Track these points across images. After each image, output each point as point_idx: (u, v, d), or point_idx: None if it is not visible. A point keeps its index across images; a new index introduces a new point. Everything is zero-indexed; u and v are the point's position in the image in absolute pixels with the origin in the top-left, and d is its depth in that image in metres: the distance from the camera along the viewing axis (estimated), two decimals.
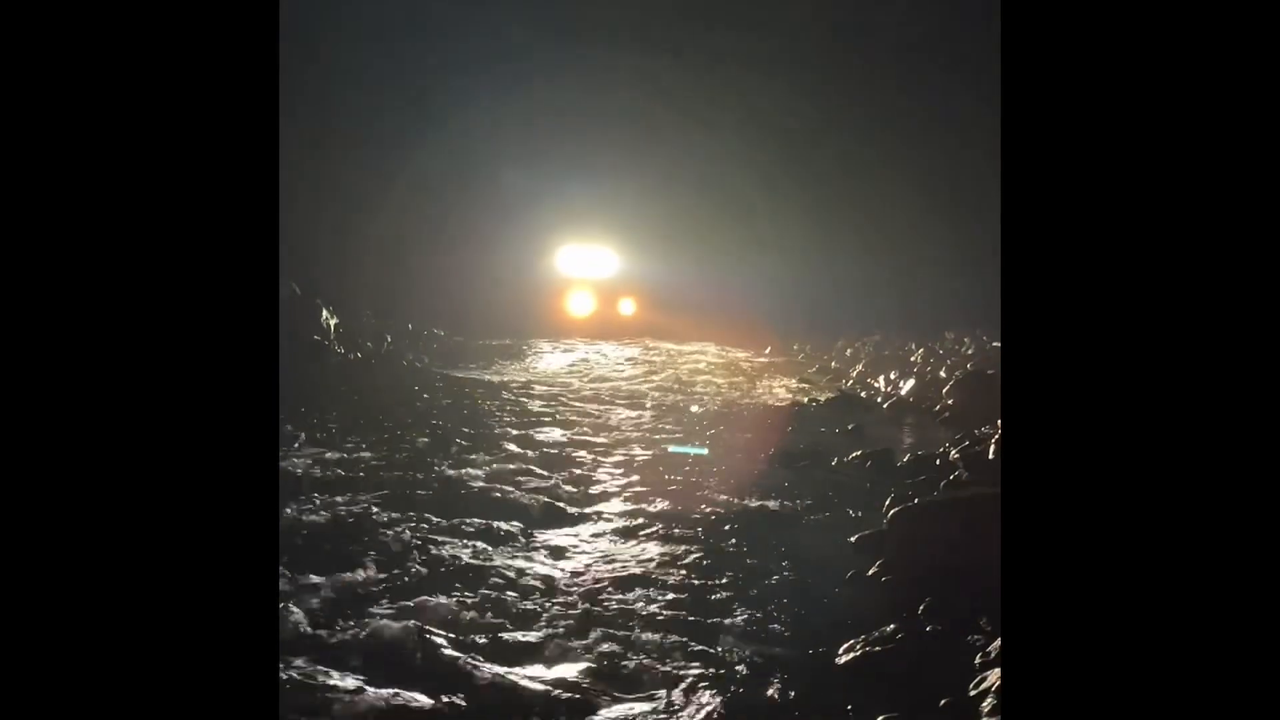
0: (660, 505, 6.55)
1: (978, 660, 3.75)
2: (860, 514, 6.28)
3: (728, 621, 4.40)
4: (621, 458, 8.22)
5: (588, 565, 5.18)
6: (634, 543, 5.65)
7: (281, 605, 4.20)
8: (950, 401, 11.13)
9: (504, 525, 5.80)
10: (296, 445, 7.81)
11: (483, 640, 4.06)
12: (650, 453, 8.46)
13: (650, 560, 5.30)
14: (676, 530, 5.92)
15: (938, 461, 7.60)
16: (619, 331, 21.95)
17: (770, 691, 3.67)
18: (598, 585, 4.85)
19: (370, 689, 3.52)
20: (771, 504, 6.67)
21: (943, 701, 3.42)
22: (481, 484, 6.82)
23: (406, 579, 4.76)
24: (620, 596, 4.69)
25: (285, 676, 3.51)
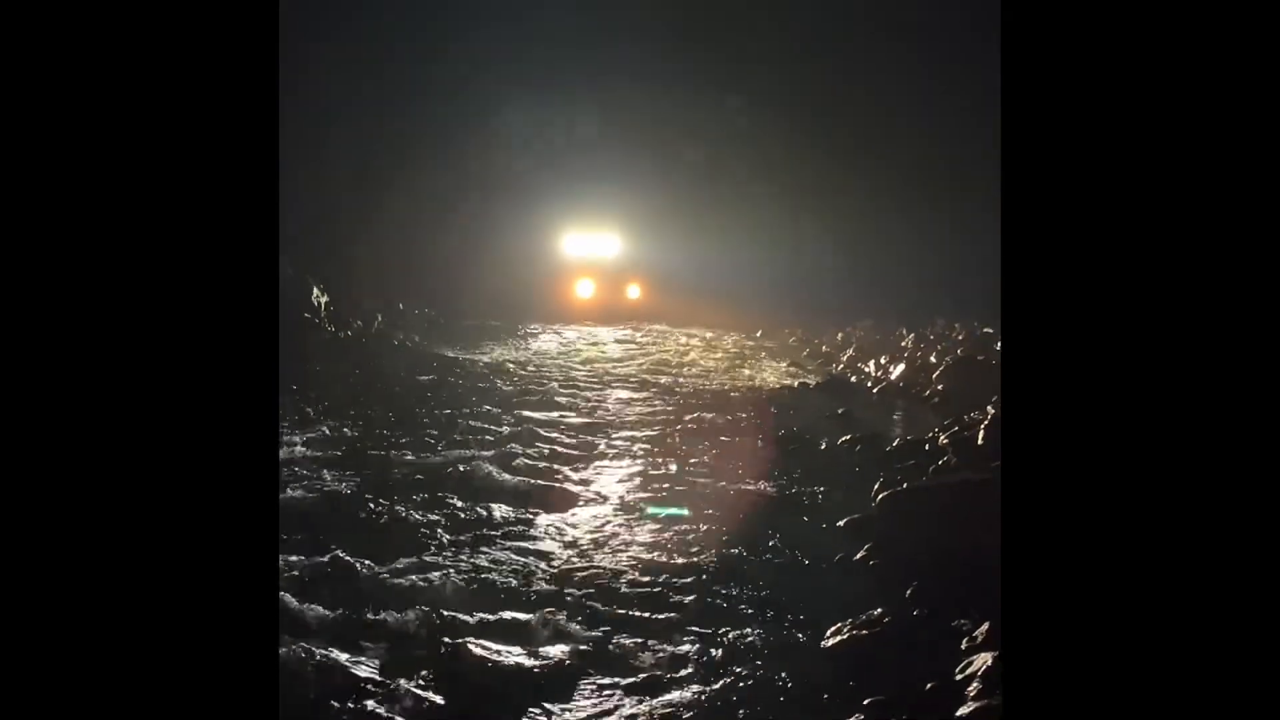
0: (647, 488, 6.56)
1: (964, 644, 3.77)
2: (849, 498, 6.30)
3: (715, 603, 4.42)
4: (610, 440, 8.23)
5: (575, 546, 5.19)
6: (621, 524, 5.66)
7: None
8: (940, 387, 11.15)
9: (491, 506, 5.81)
10: (285, 424, 7.80)
11: (470, 620, 4.07)
12: (639, 437, 8.48)
13: (638, 542, 5.32)
14: (665, 513, 5.93)
15: (927, 446, 7.63)
16: (610, 315, 21.90)
17: (757, 673, 3.69)
18: (585, 566, 4.86)
19: (358, 669, 3.53)
20: (760, 487, 6.69)
21: (929, 685, 3.44)
22: (469, 464, 6.82)
23: (392, 559, 4.76)
24: (608, 577, 4.70)
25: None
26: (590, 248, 23.78)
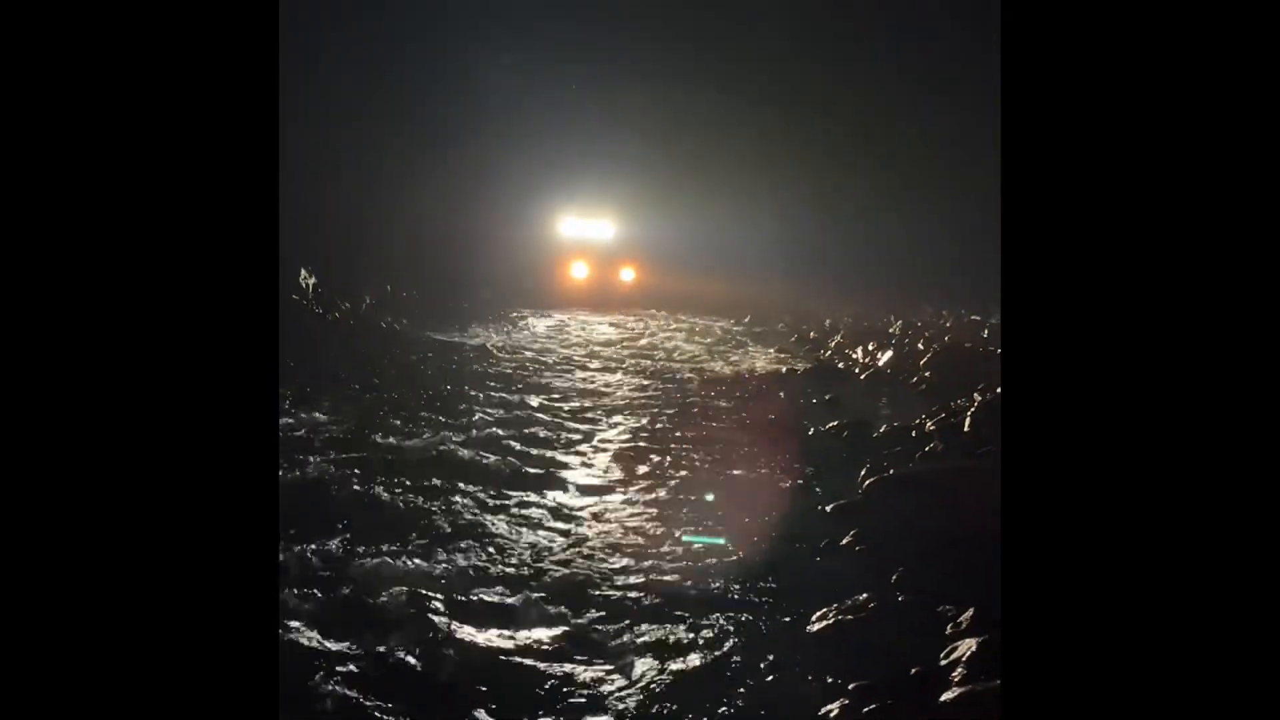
0: (635, 473, 6.58)
1: (949, 630, 3.80)
2: (836, 483, 6.32)
3: (700, 587, 4.44)
4: (597, 424, 8.24)
5: (560, 530, 5.21)
6: (608, 509, 5.68)
7: None
8: (927, 374, 11.20)
9: (477, 489, 5.81)
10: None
11: (456, 603, 4.08)
12: (626, 421, 8.49)
13: (624, 527, 5.33)
14: (651, 497, 5.95)
15: (914, 433, 7.66)
16: (602, 299, 21.88)
17: (742, 657, 3.71)
18: (571, 550, 4.88)
19: (344, 652, 3.54)
20: (747, 472, 6.71)
21: (913, 670, 3.47)
22: (457, 447, 6.82)
23: (377, 542, 4.76)
24: (594, 561, 4.72)
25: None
26: (585, 232, 23.70)
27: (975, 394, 8.83)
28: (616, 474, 6.52)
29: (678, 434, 7.93)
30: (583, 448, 7.28)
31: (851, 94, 25.99)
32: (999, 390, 8.77)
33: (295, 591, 4.02)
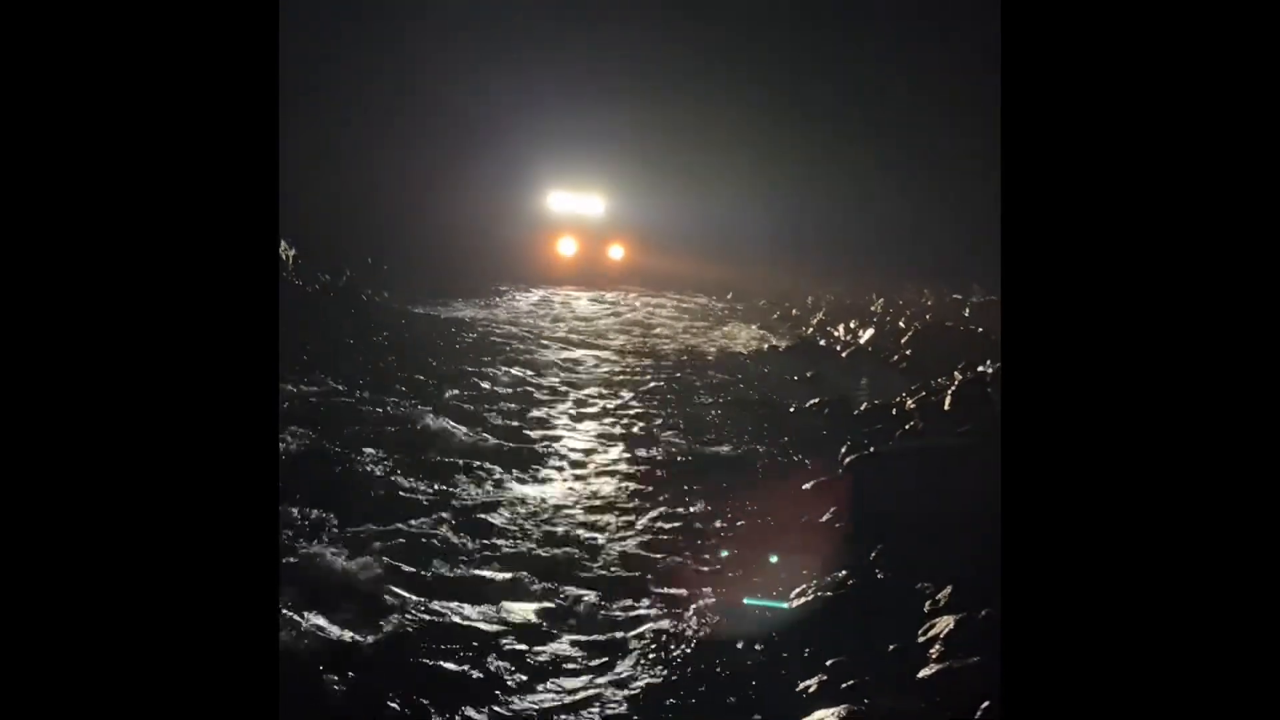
0: (617, 448, 6.57)
1: (927, 607, 3.81)
2: (816, 460, 6.33)
3: (680, 564, 4.44)
4: (578, 400, 8.21)
5: (539, 506, 5.19)
6: (590, 485, 5.67)
7: None
8: (909, 352, 11.23)
9: (457, 464, 5.78)
10: None
11: (432, 578, 4.06)
12: (607, 396, 8.47)
13: (605, 502, 5.32)
14: (632, 473, 5.95)
15: (894, 411, 7.68)
16: (588, 276, 21.76)
17: (721, 634, 3.71)
18: (550, 526, 4.87)
19: (321, 627, 3.52)
20: (727, 449, 6.71)
21: (891, 647, 3.48)
22: (434, 422, 6.78)
23: (354, 517, 4.73)
24: (572, 537, 4.71)
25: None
26: (575, 207, 23.45)
27: (956, 372, 8.87)
28: (597, 449, 6.50)
29: (658, 410, 7.92)
30: (564, 423, 7.26)
31: (840, 77, 26.03)
32: (979, 369, 8.81)
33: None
